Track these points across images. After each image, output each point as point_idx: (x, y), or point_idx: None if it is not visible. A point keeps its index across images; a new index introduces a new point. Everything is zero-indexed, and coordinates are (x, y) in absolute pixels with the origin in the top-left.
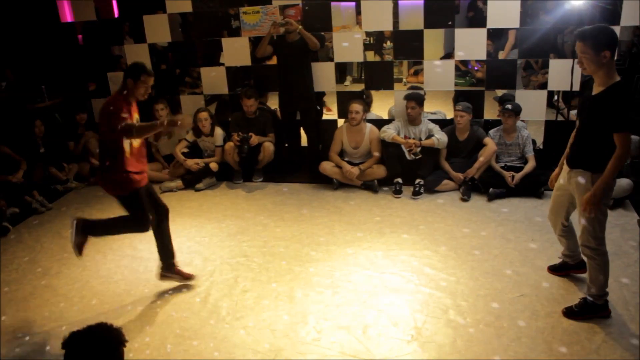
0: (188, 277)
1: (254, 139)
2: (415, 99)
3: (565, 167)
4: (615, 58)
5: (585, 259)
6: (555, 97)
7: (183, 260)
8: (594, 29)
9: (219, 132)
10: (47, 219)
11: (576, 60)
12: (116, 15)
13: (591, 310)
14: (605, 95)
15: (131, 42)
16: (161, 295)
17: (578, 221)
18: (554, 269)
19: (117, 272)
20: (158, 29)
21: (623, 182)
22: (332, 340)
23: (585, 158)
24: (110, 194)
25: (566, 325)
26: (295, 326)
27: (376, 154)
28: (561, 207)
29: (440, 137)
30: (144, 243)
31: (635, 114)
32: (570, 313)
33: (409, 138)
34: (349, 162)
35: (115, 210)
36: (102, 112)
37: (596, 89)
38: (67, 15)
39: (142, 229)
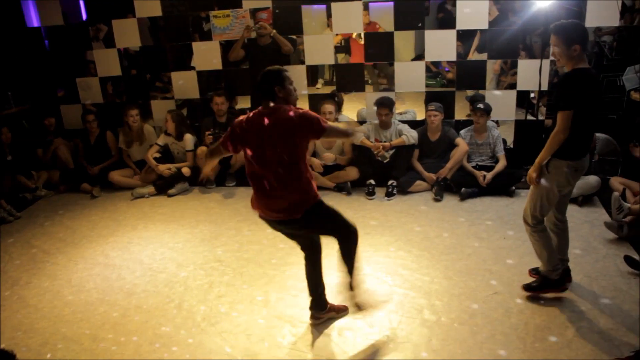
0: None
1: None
2: (389, 105)
3: None
4: None
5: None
6: (532, 95)
7: (156, 267)
8: (567, 24)
9: (188, 137)
10: (16, 229)
11: (549, 59)
12: (84, 19)
13: (547, 285)
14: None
15: (100, 47)
16: (135, 302)
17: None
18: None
19: (89, 280)
20: (128, 33)
21: (591, 179)
22: (308, 343)
23: None
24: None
25: (539, 321)
26: (271, 330)
27: (348, 155)
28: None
29: (410, 134)
30: (116, 250)
31: (603, 111)
32: (529, 288)
33: (380, 141)
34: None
35: (86, 218)
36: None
37: None
38: (34, 19)
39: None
